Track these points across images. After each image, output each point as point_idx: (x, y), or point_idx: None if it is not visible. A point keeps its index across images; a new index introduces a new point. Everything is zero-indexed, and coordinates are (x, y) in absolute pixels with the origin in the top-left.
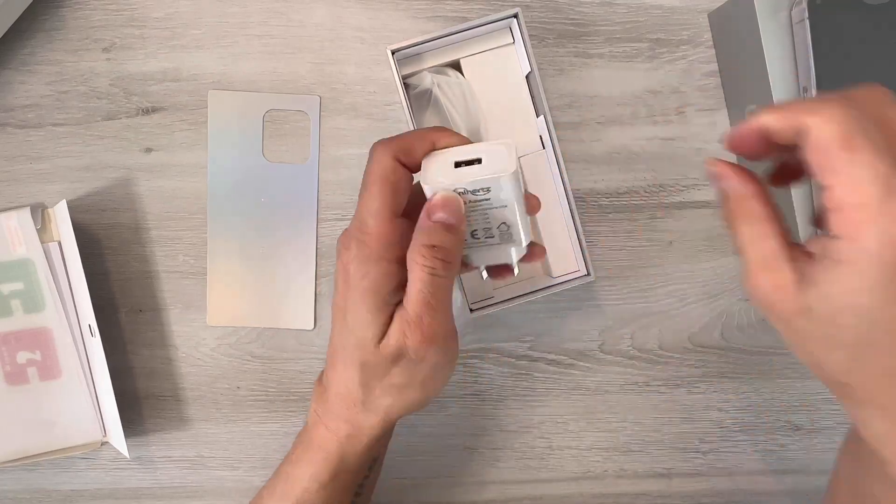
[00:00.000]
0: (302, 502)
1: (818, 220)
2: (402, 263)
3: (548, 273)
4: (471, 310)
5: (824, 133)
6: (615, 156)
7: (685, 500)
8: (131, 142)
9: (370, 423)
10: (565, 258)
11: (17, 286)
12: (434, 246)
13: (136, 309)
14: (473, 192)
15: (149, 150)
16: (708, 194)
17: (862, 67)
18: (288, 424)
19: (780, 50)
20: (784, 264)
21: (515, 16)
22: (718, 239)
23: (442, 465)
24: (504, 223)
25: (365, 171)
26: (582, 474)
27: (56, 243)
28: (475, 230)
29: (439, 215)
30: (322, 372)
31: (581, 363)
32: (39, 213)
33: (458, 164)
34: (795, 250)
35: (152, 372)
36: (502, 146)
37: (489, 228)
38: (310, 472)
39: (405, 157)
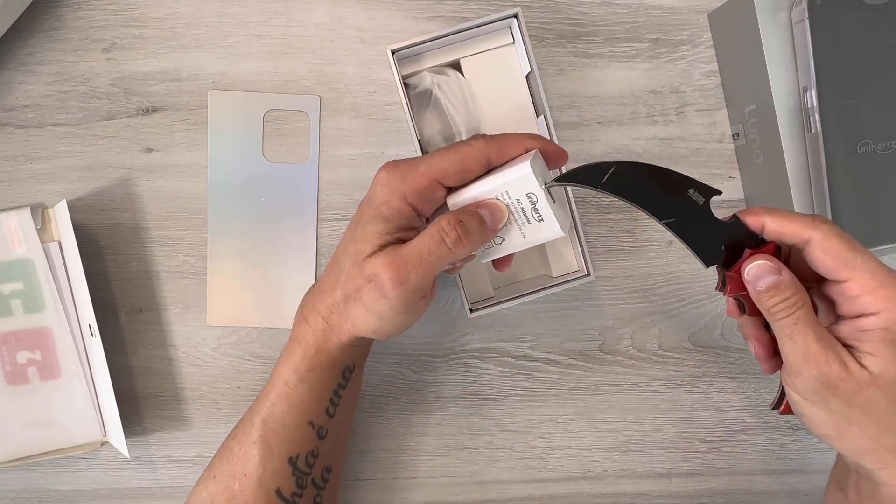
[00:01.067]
0: (282, 395)
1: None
2: (420, 212)
3: (548, 273)
4: (470, 310)
5: (833, 241)
6: (615, 156)
7: (685, 500)
8: (131, 142)
9: (342, 326)
10: (565, 258)
11: (18, 286)
12: (462, 223)
13: (136, 309)
14: (504, 196)
15: (149, 150)
16: None
17: (862, 67)
18: None
19: (780, 50)
20: (838, 347)
21: (515, 16)
22: None
23: (442, 465)
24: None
25: (456, 143)
26: (582, 474)
27: (56, 243)
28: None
29: (484, 211)
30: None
31: (581, 363)
32: (39, 213)
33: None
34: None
35: (152, 372)
36: (528, 159)
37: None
38: (289, 364)
39: (497, 157)
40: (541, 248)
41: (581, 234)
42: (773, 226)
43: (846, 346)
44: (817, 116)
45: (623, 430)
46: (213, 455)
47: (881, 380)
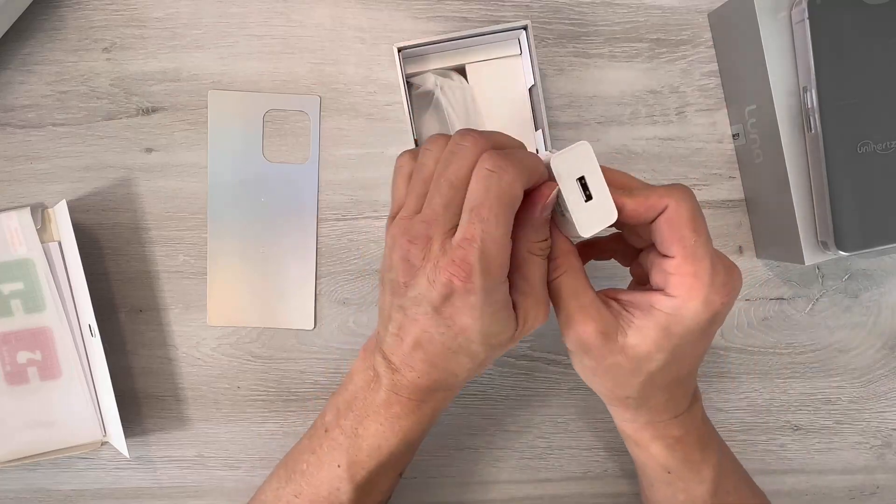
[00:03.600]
0: (387, 465)
1: (636, 274)
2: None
3: None
4: None
5: (679, 214)
6: (615, 156)
7: None
8: (131, 142)
9: (447, 397)
10: None
11: (18, 286)
12: (546, 239)
13: (136, 309)
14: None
15: (149, 150)
16: (707, 194)
17: (862, 67)
18: (288, 424)
19: (780, 50)
20: (604, 312)
21: (525, 28)
22: (718, 239)
23: (442, 465)
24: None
25: (488, 187)
26: (582, 474)
27: (56, 243)
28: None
29: (546, 214)
30: (385, 354)
31: None
32: (39, 213)
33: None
34: (603, 300)
35: (152, 372)
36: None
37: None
38: (398, 440)
39: (529, 185)
40: None
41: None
42: (632, 207)
43: (623, 305)
44: (817, 116)
45: None
46: (212, 455)
47: (630, 350)
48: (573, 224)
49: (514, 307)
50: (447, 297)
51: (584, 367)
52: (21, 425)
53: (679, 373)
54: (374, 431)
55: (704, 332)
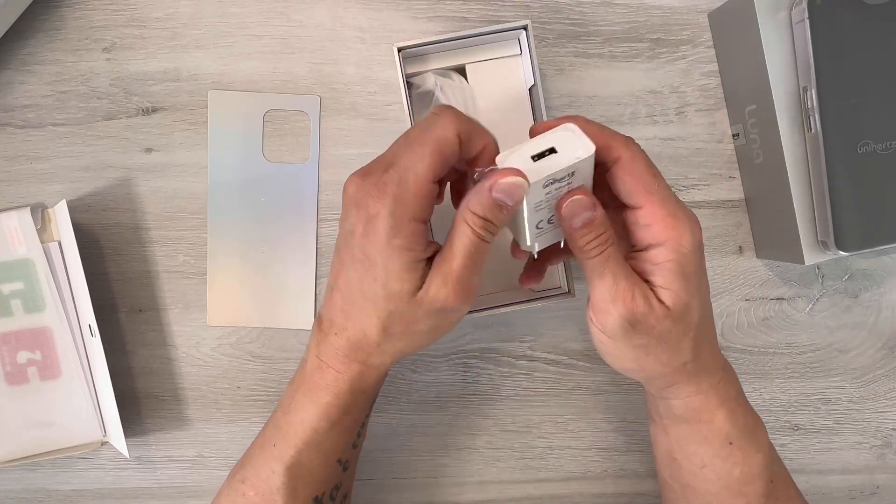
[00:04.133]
0: (312, 443)
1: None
2: (427, 223)
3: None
4: None
5: (638, 163)
6: None
7: None
8: (131, 142)
9: (381, 361)
10: (547, 273)
11: (18, 286)
12: (485, 217)
13: (136, 309)
14: (560, 179)
15: (149, 150)
16: (708, 194)
17: (862, 67)
18: None
19: (780, 50)
20: (641, 283)
21: (525, 28)
22: (718, 239)
23: (442, 465)
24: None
25: (420, 128)
26: (582, 474)
27: (56, 243)
28: (541, 221)
29: (499, 195)
30: (320, 315)
31: (581, 363)
32: (39, 213)
33: (535, 158)
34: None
35: (152, 372)
36: (567, 132)
37: (552, 215)
38: (317, 412)
39: (465, 140)
40: (524, 260)
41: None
42: (591, 136)
43: (644, 280)
44: (817, 116)
45: (623, 430)
46: (212, 455)
47: (674, 311)
48: (524, 236)
49: (428, 271)
50: (364, 221)
51: (635, 350)
52: (21, 425)
53: (707, 316)
54: (299, 404)
55: (701, 262)
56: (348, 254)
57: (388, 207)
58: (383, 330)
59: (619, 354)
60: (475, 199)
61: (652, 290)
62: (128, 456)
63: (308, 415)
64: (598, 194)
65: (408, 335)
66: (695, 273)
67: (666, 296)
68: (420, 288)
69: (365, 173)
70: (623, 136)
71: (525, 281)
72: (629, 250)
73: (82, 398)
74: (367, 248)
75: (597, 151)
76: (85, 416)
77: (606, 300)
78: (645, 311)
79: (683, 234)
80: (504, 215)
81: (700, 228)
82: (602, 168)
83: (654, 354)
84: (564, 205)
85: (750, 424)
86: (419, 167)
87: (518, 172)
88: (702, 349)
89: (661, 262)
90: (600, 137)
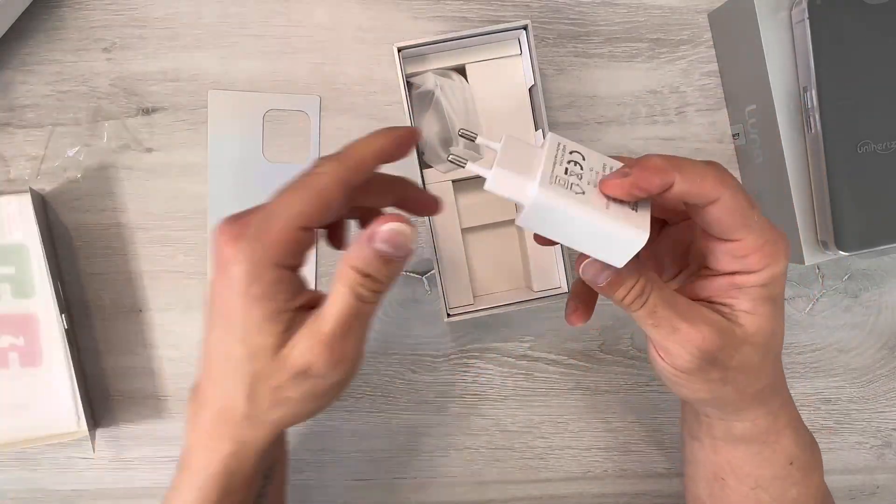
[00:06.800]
0: None
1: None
2: (296, 270)
3: (529, 286)
4: (448, 314)
5: (739, 201)
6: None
7: (685, 500)
8: (131, 142)
9: (256, 436)
10: (547, 273)
11: (9, 270)
12: (368, 275)
13: (136, 309)
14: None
15: (149, 150)
16: None
17: (862, 67)
18: None
19: (780, 50)
20: (708, 311)
21: (525, 28)
22: None
23: (442, 465)
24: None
25: (302, 173)
26: (582, 474)
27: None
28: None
29: (380, 246)
30: (195, 385)
31: (581, 363)
32: (40, 199)
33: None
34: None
35: (152, 372)
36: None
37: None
38: (193, 497)
39: (355, 176)
40: (524, 261)
41: (564, 250)
42: (683, 187)
43: (713, 302)
44: (817, 116)
45: (623, 430)
46: None
47: (756, 337)
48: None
49: (300, 326)
50: (221, 269)
51: (710, 384)
52: None
53: (783, 337)
54: (177, 488)
55: (784, 283)
56: (211, 309)
57: (243, 252)
58: (248, 397)
59: (694, 387)
60: (355, 251)
61: (724, 312)
62: (93, 452)
63: (185, 500)
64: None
65: (279, 403)
66: (781, 296)
67: (749, 321)
68: (285, 345)
69: (233, 217)
70: (721, 172)
71: (574, 317)
72: (677, 270)
73: (62, 388)
74: (226, 300)
75: (692, 199)
76: (63, 407)
77: (672, 345)
78: (721, 345)
79: (780, 261)
80: (391, 270)
81: (790, 247)
82: (690, 208)
83: (733, 384)
84: (580, 270)
85: (809, 443)
86: (288, 210)
87: (400, 218)
88: (777, 372)
89: (750, 287)
90: (695, 185)
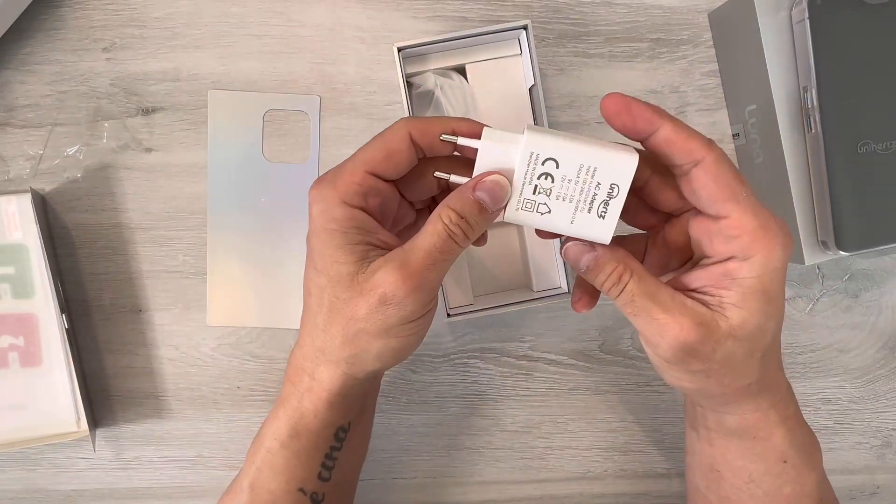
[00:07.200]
0: (265, 463)
1: (675, 250)
2: (369, 212)
3: (528, 286)
4: (448, 314)
5: (724, 167)
6: None
7: (685, 500)
8: (131, 142)
9: (329, 375)
10: (547, 273)
11: (9, 270)
12: (462, 215)
13: (136, 309)
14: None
15: (149, 150)
16: None
17: (862, 67)
18: None
19: (780, 50)
20: (692, 304)
21: (525, 27)
22: None
23: (442, 465)
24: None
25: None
26: (582, 474)
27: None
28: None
29: (482, 195)
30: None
31: (581, 363)
32: (41, 199)
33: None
34: (675, 288)
35: (152, 372)
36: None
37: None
38: (271, 429)
39: (420, 135)
40: (524, 261)
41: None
42: (670, 135)
43: (705, 293)
44: (817, 116)
45: (623, 430)
46: (212, 455)
47: (740, 331)
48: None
49: (377, 260)
50: (309, 215)
51: (693, 375)
52: None
53: (778, 335)
54: (267, 419)
55: (784, 279)
56: (306, 256)
57: (320, 193)
58: (325, 328)
59: (678, 376)
60: (455, 196)
61: (711, 305)
62: (94, 451)
63: (264, 431)
64: (639, 197)
65: (351, 339)
66: (777, 291)
67: (735, 314)
68: (363, 272)
69: (322, 175)
70: (704, 136)
71: (579, 305)
72: (682, 262)
73: (62, 388)
74: (310, 240)
75: (675, 151)
76: (63, 407)
77: (652, 334)
78: (701, 338)
79: (775, 250)
80: (483, 219)
81: (792, 241)
82: (676, 171)
83: (716, 377)
84: (564, 251)
85: (807, 444)
86: (358, 157)
87: (502, 174)
88: (768, 369)
89: (742, 278)
90: (681, 137)
